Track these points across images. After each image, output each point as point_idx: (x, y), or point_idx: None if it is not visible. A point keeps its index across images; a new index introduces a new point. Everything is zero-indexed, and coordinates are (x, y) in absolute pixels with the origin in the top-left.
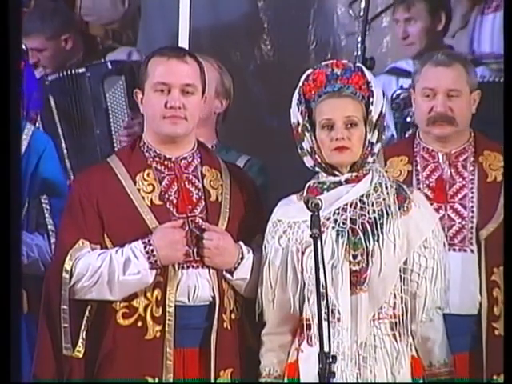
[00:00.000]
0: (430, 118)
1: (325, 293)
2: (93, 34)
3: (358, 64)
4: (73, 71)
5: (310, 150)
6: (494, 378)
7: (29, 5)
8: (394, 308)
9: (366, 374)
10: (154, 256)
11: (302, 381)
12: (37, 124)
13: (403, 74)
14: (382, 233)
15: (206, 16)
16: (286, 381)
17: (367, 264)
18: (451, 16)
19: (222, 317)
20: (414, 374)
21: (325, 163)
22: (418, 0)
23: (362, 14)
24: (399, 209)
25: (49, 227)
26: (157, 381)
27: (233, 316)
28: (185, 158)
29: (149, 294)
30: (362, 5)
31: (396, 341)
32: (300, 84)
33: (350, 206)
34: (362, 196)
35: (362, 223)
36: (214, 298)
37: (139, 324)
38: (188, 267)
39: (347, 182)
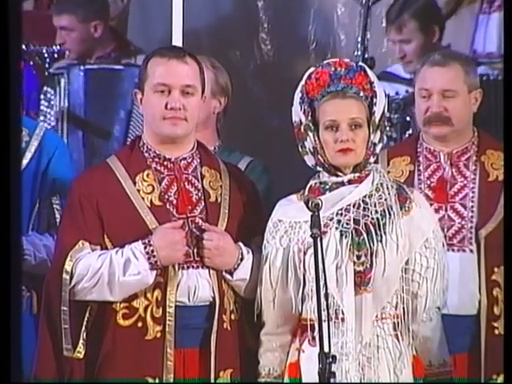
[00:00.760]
0: (426, 119)
1: (327, 293)
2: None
3: (360, 63)
4: (108, 66)
5: (312, 150)
6: (494, 377)
7: (49, 7)
8: (396, 308)
9: (370, 374)
10: (154, 256)
11: (303, 381)
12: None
13: (396, 80)
14: (385, 233)
15: (205, 16)
16: (287, 381)
17: (371, 264)
18: (444, 25)
19: (221, 317)
20: (416, 373)
21: (328, 164)
22: (409, 20)
23: (362, 12)
24: (401, 209)
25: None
26: (157, 381)
27: (233, 317)
28: (184, 159)
29: (149, 295)
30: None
31: (398, 341)
32: (302, 82)
33: (353, 206)
34: (365, 196)
35: (365, 224)
36: (214, 298)
37: (139, 324)
38: (188, 267)
39: (350, 182)
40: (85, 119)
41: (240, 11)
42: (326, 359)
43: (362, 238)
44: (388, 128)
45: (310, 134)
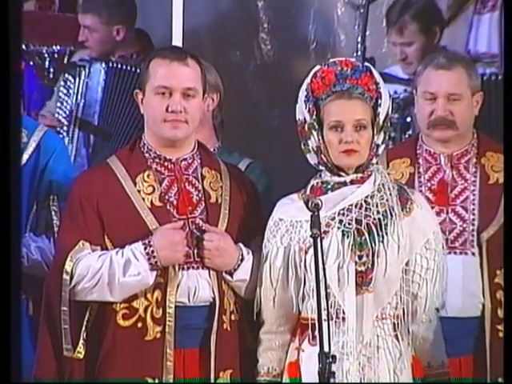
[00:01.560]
0: (430, 122)
1: (328, 292)
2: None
3: (366, 64)
4: (132, 67)
5: (315, 149)
6: (500, 379)
7: (51, 7)
8: (396, 308)
9: (370, 374)
10: (154, 257)
11: (303, 380)
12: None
13: (393, 81)
14: (386, 233)
15: (205, 16)
16: (286, 380)
17: (372, 264)
18: (444, 27)
19: (221, 318)
20: (415, 374)
21: (331, 163)
22: (410, 21)
23: (362, 11)
24: (402, 210)
25: (56, 230)
26: (157, 381)
27: (233, 317)
28: (185, 160)
29: (149, 295)
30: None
31: (398, 341)
32: (308, 81)
33: (355, 206)
34: (367, 197)
35: (367, 224)
36: (214, 298)
37: (139, 325)
38: (188, 268)
39: (352, 182)
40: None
41: (240, 11)
42: (326, 359)
43: (363, 238)
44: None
45: (314, 133)
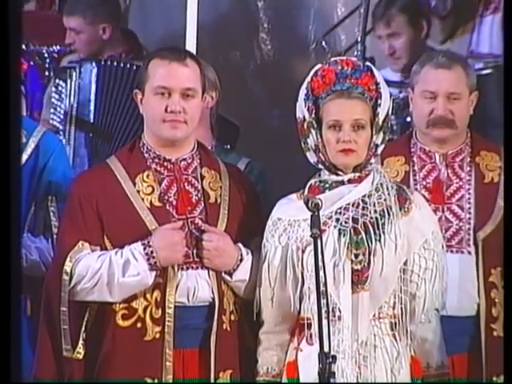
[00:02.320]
0: (430, 121)
1: (325, 292)
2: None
3: (367, 63)
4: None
5: (314, 148)
6: (494, 379)
7: (51, 7)
8: (393, 308)
9: (367, 373)
10: (153, 257)
11: (301, 380)
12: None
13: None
14: (383, 233)
15: (205, 16)
16: (285, 380)
17: (369, 263)
18: (431, 19)
19: (221, 318)
20: (414, 374)
21: (329, 162)
22: (397, 14)
23: (361, 12)
24: (400, 209)
25: (54, 230)
26: (156, 381)
27: (232, 317)
28: (184, 160)
29: (148, 295)
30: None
31: (396, 341)
32: (308, 79)
33: (353, 205)
34: (364, 196)
35: (364, 223)
36: (213, 299)
37: (139, 325)
38: (187, 268)
39: (350, 181)
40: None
41: (240, 11)
42: (326, 359)
43: (360, 236)
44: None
45: (313, 132)
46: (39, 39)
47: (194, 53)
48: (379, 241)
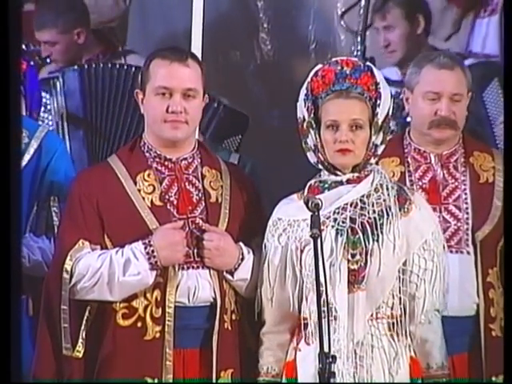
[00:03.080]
0: (433, 121)
1: (323, 291)
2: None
3: (368, 64)
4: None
5: (313, 147)
6: (493, 379)
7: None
8: (392, 308)
9: (363, 373)
10: (154, 257)
11: (299, 380)
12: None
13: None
14: (381, 233)
15: (206, 16)
16: (284, 380)
17: (365, 263)
18: (430, 16)
19: (223, 317)
20: (413, 374)
21: (327, 162)
22: (393, 7)
23: (361, 12)
24: (400, 210)
25: (56, 231)
26: (156, 381)
27: (233, 317)
28: (185, 159)
29: (148, 295)
30: (362, 3)
31: (394, 341)
32: (308, 79)
33: (351, 205)
34: (363, 196)
35: (361, 223)
36: (214, 298)
37: (139, 324)
38: (188, 268)
39: (348, 182)
40: (85, 119)
41: (240, 11)
42: (326, 359)
43: (357, 236)
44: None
45: (312, 132)
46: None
47: (200, 53)
48: (377, 241)
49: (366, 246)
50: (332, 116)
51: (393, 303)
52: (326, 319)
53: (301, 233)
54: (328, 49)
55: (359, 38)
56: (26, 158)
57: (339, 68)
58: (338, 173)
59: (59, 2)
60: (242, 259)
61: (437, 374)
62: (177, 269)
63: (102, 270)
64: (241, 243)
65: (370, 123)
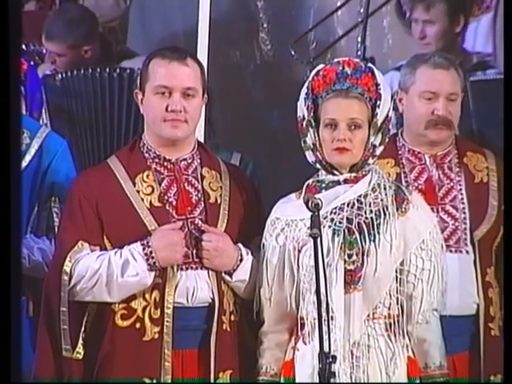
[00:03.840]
0: (430, 121)
1: (325, 291)
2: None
3: (369, 64)
4: (113, 70)
5: (312, 146)
6: (492, 378)
7: (51, 7)
8: (389, 308)
9: (359, 373)
10: (152, 258)
11: (297, 379)
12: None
13: None
14: (378, 233)
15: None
16: (282, 380)
17: (362, 263)
18: (469, 19)
19: (221, 318)
20: (411, 374)
21: (325, 161)
22: (439, 2)
23: (361, 11)
24: (397, 210)
25: (56, 231)
26: (155, 382)
27: (232, 317)
28: (184, 160)
29: (147, 296)
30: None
31: (391, 341)
32: (309, 78)
33: (348, 205)
34: (360, 196)
35: (358, 223)
36: (213, 299)
37: (137, 325)
38: (187, 269)
39: (346, 181)
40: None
41: (240, 11)
42: (326, 359)
43: (354, 236)
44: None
45: (311, 131)
46: (39, 39)
47: (206, 52)
48: (373, 241)
49: (362, 247)
50: (331, 114)
51: (390, 303)
52: (327, 319)
53: (298, 233)
54: (328, 49)
55: (359, 39)
56: (27, 158)
57: (340, 68)
58: (336, 172)
59: (73, 17)
60: (241, 260)
61: (435, 374)
62: (175, 269)
63: (101, 272)
64: (240, 244)
65: (369, 123)
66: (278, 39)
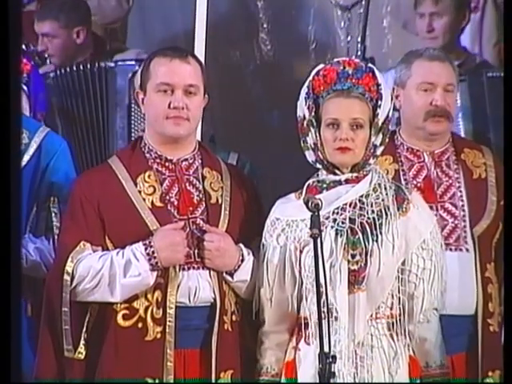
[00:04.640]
0: (429, 112)
1: (323, 292)
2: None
3: (370, 65)
4: (101, 64)
5: (313, 146)
6: (490, 374)
7: None
8: (391, 308)
9: (363, 373)
10: (154, 258)
11: (299, 379)
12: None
13: None
14: (380, 233)
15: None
16: (283, 380)
17: (365, 263)
18: (471, 15)
19: (223, 318)
20: (412, 374)
21: (326, 161)
22: None
23: (362, 11)
24: (398, 209)
25: (56, 231)
26: (157, 382)
27: (234, 317)
28: (186, 160)
29: (149, 296)
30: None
31: (393, 341)
32: (310, 78)
33: (350, 205)
34: (362, 196)
35: (361, 223)
36: (214, 299)
37: (140, 325)
38: (189, 269)
39: (347, 181)
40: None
41: (240, 11)
42: (326, 359)
43: (357, 237)
44: None
45: (312, 130)
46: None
47: (204, 53)
48: (376, 241)
49: (365, 247)
50: (333, 114)
51: (392, 303)
52: (326, 320)
53: (300, 233)
54: (328, 49)
55: (359, 39)
56: (26, 158)
57: (341, 68)
58: (337, 172)
59: (66, 0)
60: (242, 260)
61: (436, 373)
62: (177, 269)
63: (103, 272)
64: (241, 244)
65: (370, 124)
66: (278, 39)
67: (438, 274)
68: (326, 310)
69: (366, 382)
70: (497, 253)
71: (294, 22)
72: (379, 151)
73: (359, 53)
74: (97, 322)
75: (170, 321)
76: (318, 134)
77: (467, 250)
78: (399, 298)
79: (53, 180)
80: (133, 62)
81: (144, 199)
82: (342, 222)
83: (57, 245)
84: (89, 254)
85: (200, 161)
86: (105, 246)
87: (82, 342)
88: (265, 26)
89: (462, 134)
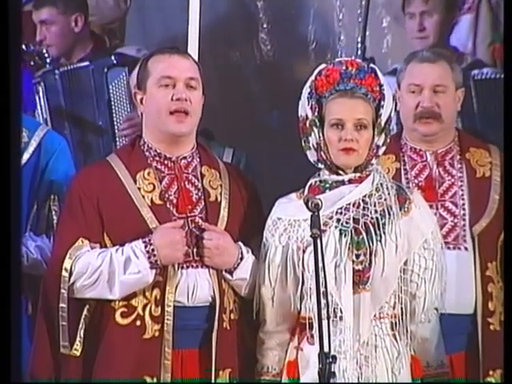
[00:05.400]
0: (416, 114)
1: (326, 292)
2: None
3: (372, 65)
4: (76, 65)
5: (315, 146)
6: (491, 373)
7: None
8: (393, 308)
9: (368, 373)
10: (154, 256)
11: (302, 379)
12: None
13: None
14: (384, 233)
15: (205, 16)
16: (285, 380)
17: (370, 263)
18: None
19: (221, 317)
20: (414, 374)
21: (330, 161)
22: None
23: (362, 11)
24: (400, 209)
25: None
26: (155, 380)
27: (232, 316)
28: (185, 158)
29: (148, 294)
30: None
31: (396, 341)
32: (312, 78)
33: (353, 205)
34: (365, 196)
35: (364, 223)
36: (213, 298)
37: (138, 323)
38: (188, 267)
39: (350, 181)
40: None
41: (240, 11)
42: (326, 359)
43: (361, 237)
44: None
45: (315, 130)
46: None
47: (197, 53)
48: (380, 241)
49: (369, 247)
50: (337, 115)
51: (394, 303)
52: (328, 319)
53: (302, 233)
54: (328, 49)
55: (359, 39)
56: (26, 156)
57: (344, 68)
58: (340, 172)
59: None
60: (242, 258)
61: (437, 373)
62: (176, 268)
63: (102, 269)
64: (240, 243)
65: (373, 124)
66: (278, 39)
67: (439, 274)
68: (328, 310)
69: (370, 381)
70: (502, 253)
71: (294, 22)
72: (381, 151)
73: (359, 53)
74: (95, 320)
75: (168, 319)
76: (321, 134)
77: (466, 248)
78: (401, 298)
79: (53, 178)
80: (108, 58)
81: (143, 196)
82: (346, 222)
83: (55, 241)
84: (87, 250)
85: (199, 159)
86: (103, 243)
87: (79, 338)
88: (265, 25)
89: None
